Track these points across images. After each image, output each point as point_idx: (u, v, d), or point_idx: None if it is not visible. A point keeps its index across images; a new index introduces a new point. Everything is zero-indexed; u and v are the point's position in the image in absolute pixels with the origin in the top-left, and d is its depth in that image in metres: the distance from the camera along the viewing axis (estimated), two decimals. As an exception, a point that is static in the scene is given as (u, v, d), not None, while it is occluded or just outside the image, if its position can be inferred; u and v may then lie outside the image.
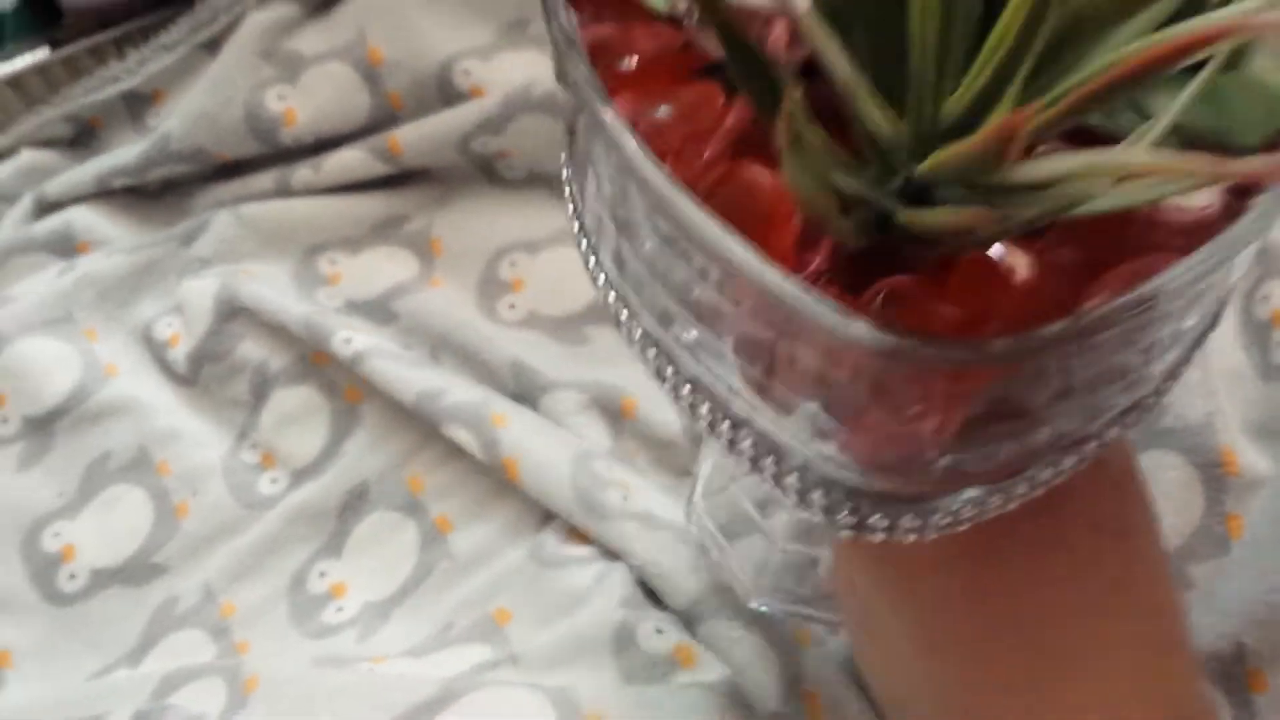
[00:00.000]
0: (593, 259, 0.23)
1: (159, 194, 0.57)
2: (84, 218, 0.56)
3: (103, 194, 0.56)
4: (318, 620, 0.44)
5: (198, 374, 0.50)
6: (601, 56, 0.20)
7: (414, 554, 0.45)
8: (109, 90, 0.58)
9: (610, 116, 0.18)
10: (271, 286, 0.50)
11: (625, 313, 0.23)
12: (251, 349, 0.49)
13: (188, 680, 0.39)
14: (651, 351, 0.23)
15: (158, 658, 0.44)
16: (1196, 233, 0.18)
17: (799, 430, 0.21)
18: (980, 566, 0.26)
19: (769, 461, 0.22)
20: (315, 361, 0.49)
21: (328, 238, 0.53)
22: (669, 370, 0.22)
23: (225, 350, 0.50)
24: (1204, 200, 0.18)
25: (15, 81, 0.62)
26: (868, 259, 0.19)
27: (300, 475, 0.47)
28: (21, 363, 0.51)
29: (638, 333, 0.23)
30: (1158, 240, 0.19)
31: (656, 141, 0.18)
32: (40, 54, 0.63)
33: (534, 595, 0.42)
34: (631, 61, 0.21)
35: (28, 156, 0.58)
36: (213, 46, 0.57)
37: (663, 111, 0.20)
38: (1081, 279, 0.19)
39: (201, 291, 0.51)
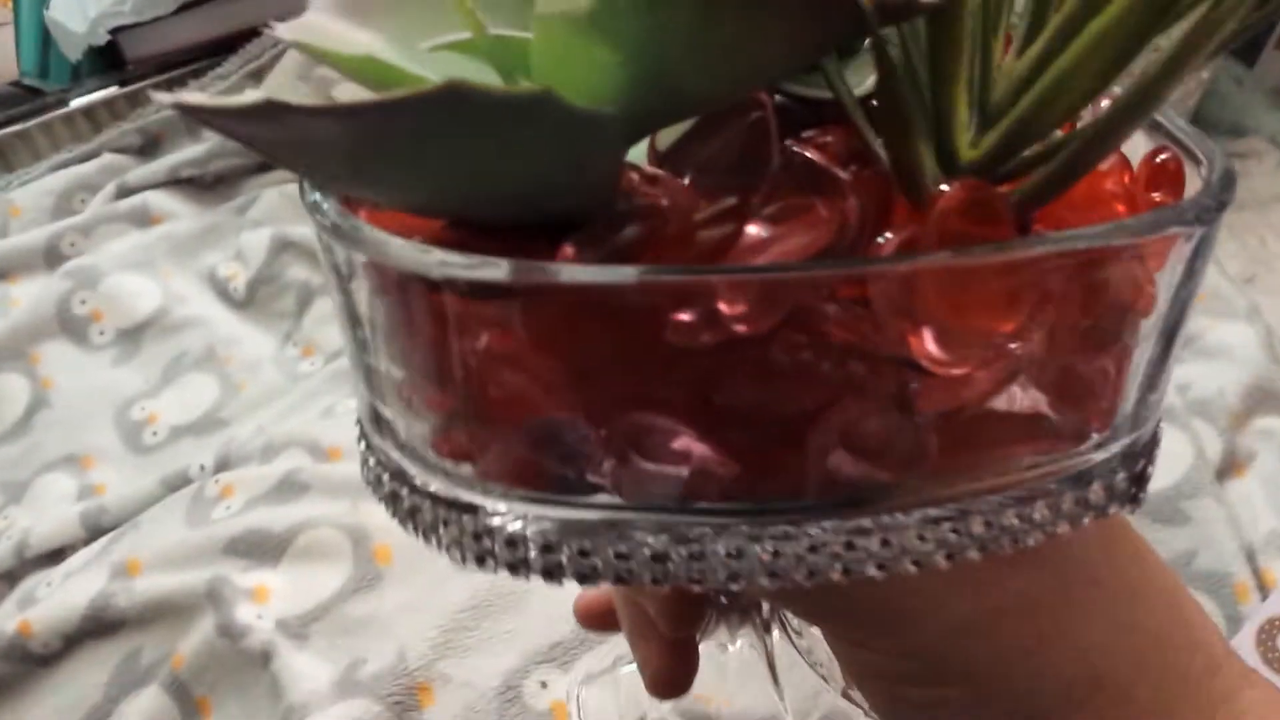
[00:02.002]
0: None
1: (213, 184, 0.74)
2: (157, 199, 0.73)
3: (171, 182, 0.74)
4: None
5: (254, 297, 0.67)
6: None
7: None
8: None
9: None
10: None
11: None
12: (297, 271, 0.66)
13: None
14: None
15: (221, 481, 0.58)
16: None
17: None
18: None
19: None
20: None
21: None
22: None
23: (276, 274, 0.66)
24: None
25: (88, 112, 0.80)
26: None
27: (333, 356, 0.64)
28: (115, 290, 0.67)
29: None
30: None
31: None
32: (110, 91, 0.81)
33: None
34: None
35: (108, 158, 0.75)
36: (258, 76, 0.75)
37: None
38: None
39: (258, 237, 0.68)
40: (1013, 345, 0.19)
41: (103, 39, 0.77)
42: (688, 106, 0.20)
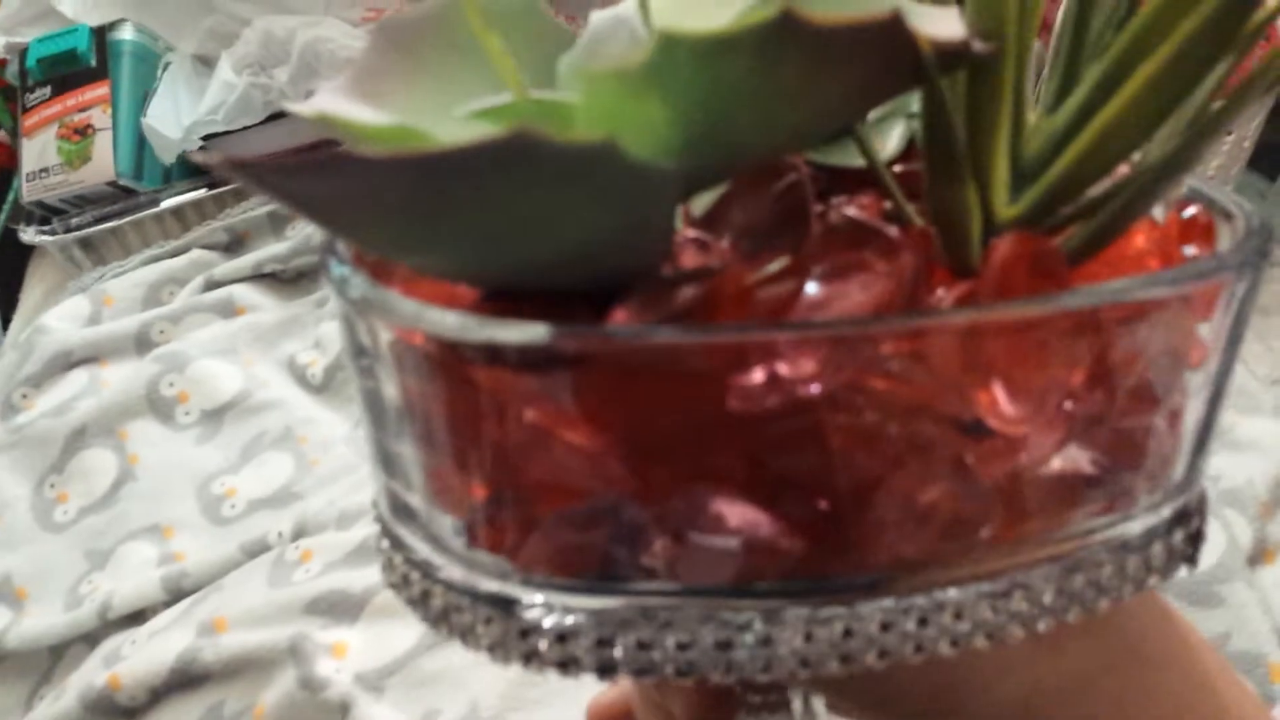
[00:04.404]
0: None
1: (295, 279, 0.79)
2: (241, 292, 0.78)
3: (255, 277, 0.79)
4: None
5: (330, 382, 0.71)
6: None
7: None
8: (261, 210, 0.81)
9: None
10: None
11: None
12: (372, 359, 0.70)
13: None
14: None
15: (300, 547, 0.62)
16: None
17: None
18: None
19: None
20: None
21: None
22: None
23: (352, 361, 0.71)
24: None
25: (177, 211, 0.86)
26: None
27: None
28: (200, 374, 0.71)
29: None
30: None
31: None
32: (199, 193, 0.87)
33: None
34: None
35: (196, 254, 0.81)
36: (339, 181, 0.80)
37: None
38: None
39: (336, 327, 0.72)
40: (1071, 402, 0.19)
41: (195, 145, 0.83)
42: (742, 161, 0.19)
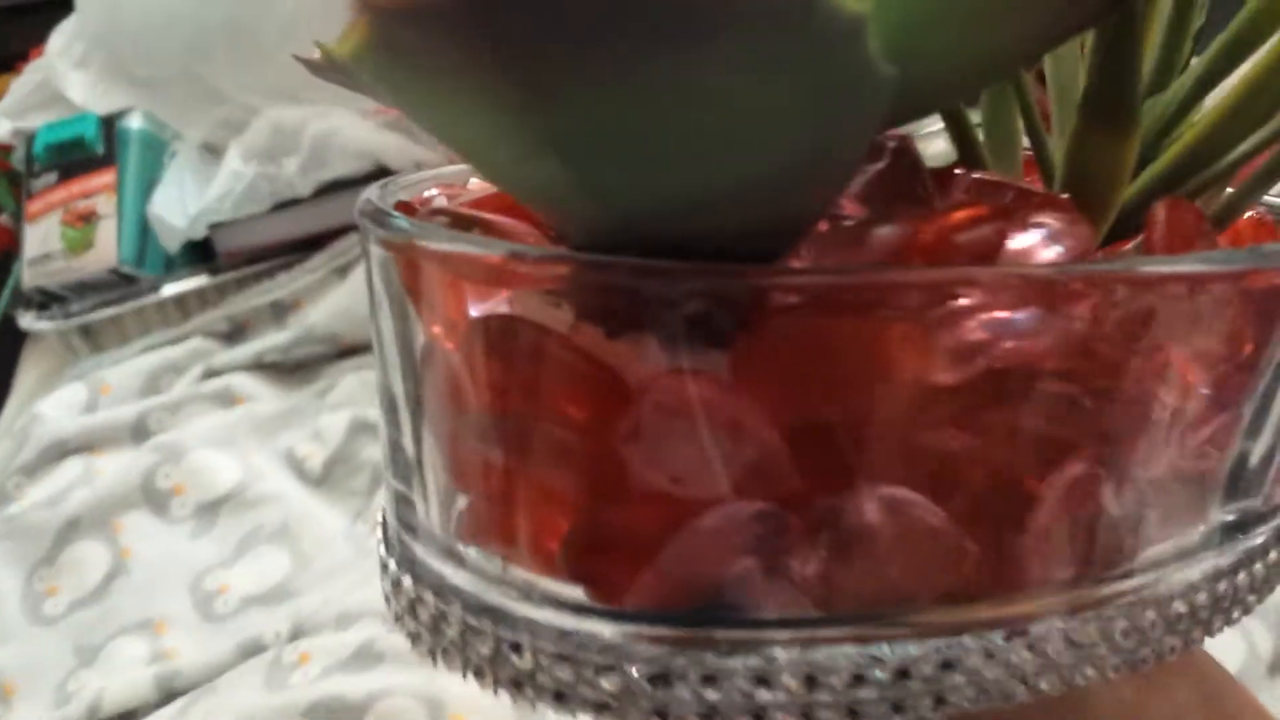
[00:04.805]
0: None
1: (295, 369, 0.79)
2: (241, 381, 0.77)
3: (255, 366, 0.78)
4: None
5: (329, 475, 0.70)
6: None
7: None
8: (263, 299, 0.81)
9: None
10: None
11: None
12: (373, 452, 0.69)
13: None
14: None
15: (298, 648, 0.60)
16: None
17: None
18: None
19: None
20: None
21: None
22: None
23: (352, 454, 0.70)
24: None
25: (178, 299, 0.86)
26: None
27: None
28: (197, 465, 0.70)
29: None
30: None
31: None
32: (200, 280, 0.86)
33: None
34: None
35: (196, 342, 0.80)
36: (343, 271, 0.80)
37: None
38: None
39: (337, 419, 0.71)
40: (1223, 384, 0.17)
41: (201, 233, 0.83)
42: (926, 100, 0.17)
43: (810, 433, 0.14)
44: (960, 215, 0.16)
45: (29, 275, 0.86)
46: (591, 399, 0.15)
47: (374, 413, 0.71)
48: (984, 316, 0.14)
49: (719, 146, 0.13)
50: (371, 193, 0.17)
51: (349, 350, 0.78)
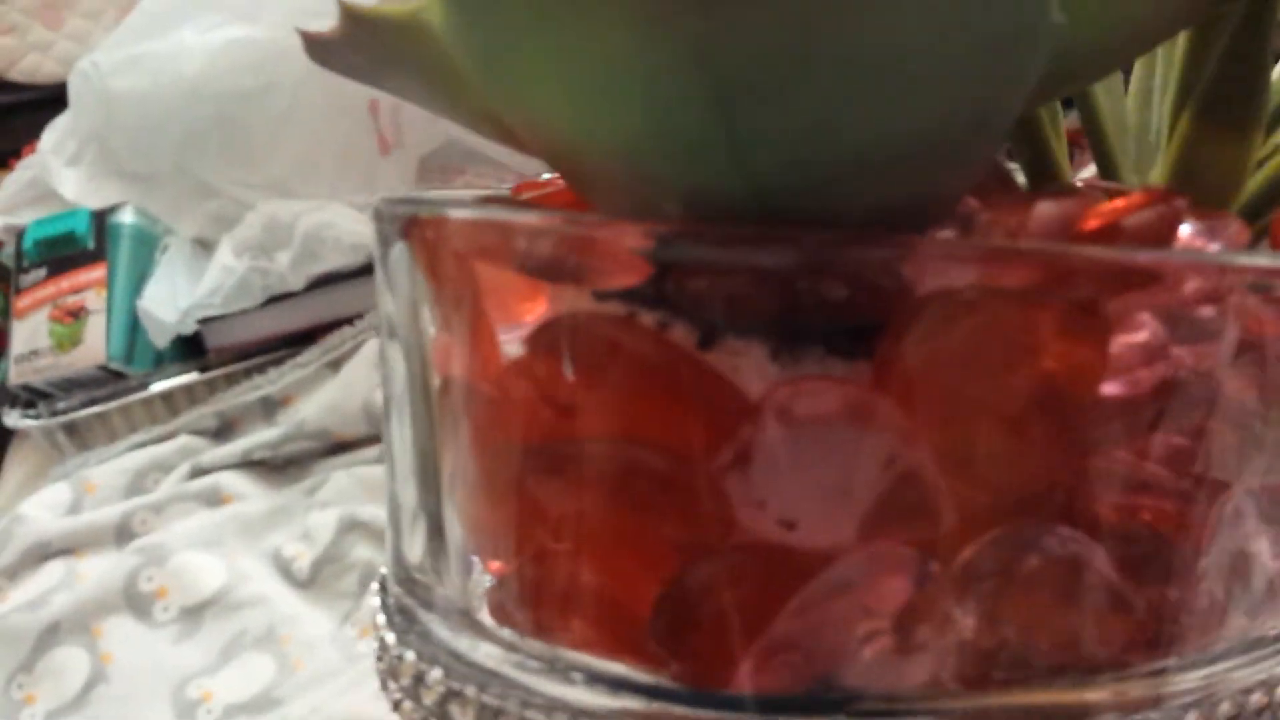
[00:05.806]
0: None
1: (284, 466, 0.77)
2: (228, 479, 0.75)
3: (243, 464, 0.76)
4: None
5: (317, 576, 0.68)
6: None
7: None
8: (253, 395, 0.79)
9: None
10: (382, 514, 0.69)
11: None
12: (362, 551, 0.67)
13: None
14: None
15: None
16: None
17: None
18: None
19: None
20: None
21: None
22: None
23: (341, 554, 0.68)
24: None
25: (166, 396, 0.84)
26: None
27: (396, 639, 0.64)
28: (181, 568, 0.68)
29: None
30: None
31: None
32: (190, 377, 0.85)
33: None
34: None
35: (184, 440, 0.78)
36: (335, 365, 0.79)
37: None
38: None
39: (326, 517, 0.69)
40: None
41: (191, 329, 0.82)
42: (1074, 67, 0.15)
43: (959, 459, 0.11)
44: (1124, 200, 0.13)
45: (15, 373, 0.85)
46: (696, 417, 0.11)
47: (365, 510, 0.69)
48: (1161, 316, 0.11)
49: (884, 87, 0.11)
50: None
51: (340, 446, 0.76)
